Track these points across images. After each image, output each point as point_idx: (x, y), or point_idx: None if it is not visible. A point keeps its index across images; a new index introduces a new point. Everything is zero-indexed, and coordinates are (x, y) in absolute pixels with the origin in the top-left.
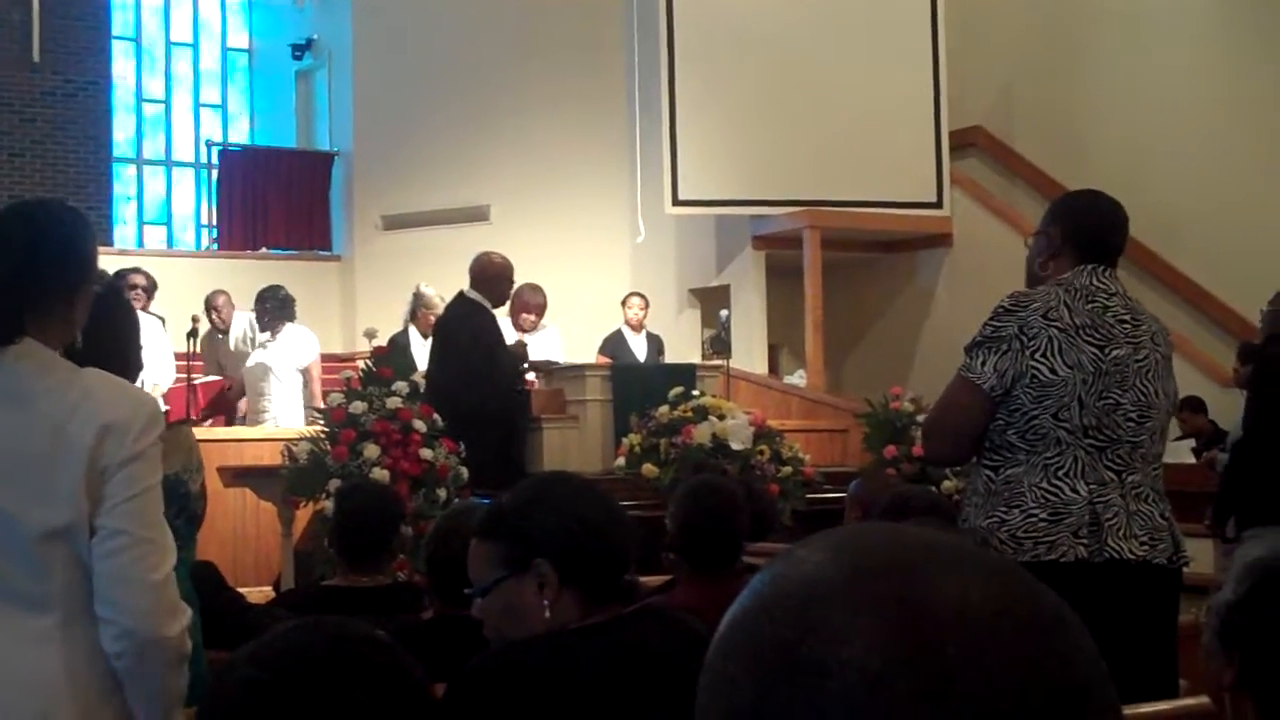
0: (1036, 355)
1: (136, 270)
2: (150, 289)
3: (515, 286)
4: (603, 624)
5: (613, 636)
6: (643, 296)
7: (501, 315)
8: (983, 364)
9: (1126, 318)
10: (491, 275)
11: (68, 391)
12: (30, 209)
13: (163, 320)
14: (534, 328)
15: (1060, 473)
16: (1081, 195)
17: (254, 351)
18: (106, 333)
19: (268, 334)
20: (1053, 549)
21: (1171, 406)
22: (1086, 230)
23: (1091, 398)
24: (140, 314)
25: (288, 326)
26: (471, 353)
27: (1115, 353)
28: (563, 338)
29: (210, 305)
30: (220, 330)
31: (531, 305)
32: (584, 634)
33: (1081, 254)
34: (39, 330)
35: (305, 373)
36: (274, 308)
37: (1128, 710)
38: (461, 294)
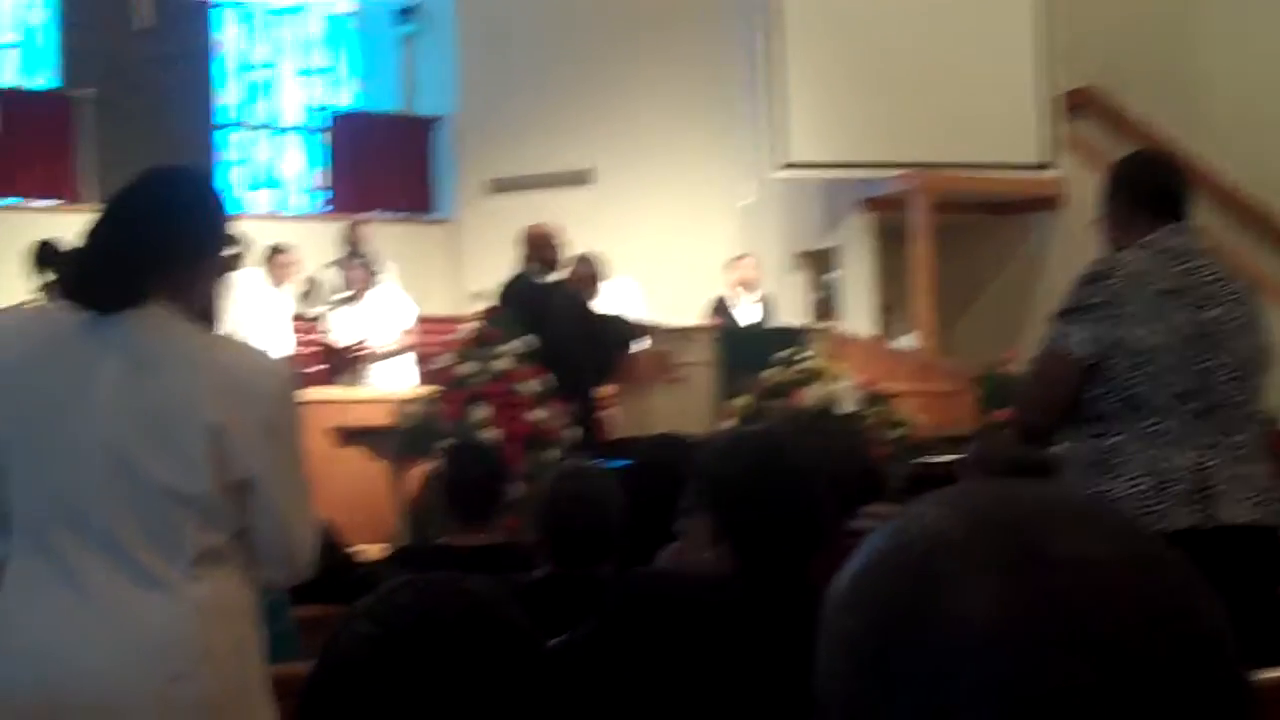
0: (1129, 322)
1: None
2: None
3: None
4: (734, 579)
5: (744, 592)
6: (754, 257)
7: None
8: (1073, 333)
9: (1218, 276)
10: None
11: (198, 360)
12: (164, 174)
13: None
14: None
15: (1162, 440)
16: (1138, 157)
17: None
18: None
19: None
20: (1161, 518)
21: (1269, 362)
22: (1154, 188)
23: (1188, 362)
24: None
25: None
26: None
27: (1209, 314)
28: (642, 288)
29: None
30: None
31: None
32: (729, 580)
33: (1154, 212)
34: (168, 295)
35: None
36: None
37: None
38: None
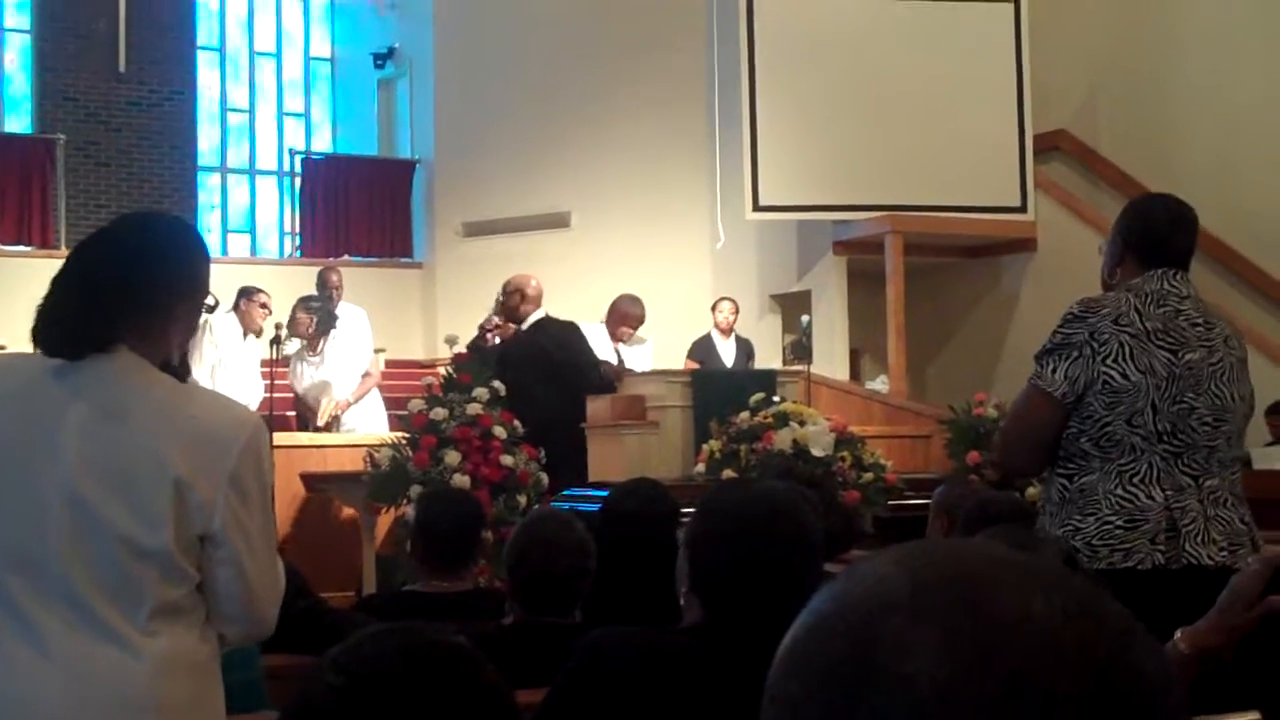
0: (1108, 361)
1: (261, 290)
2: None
3: (614, 299)
4: (696, 635)
5: (712, 643)
6: (732, 301)
7: (598, 327)
8: (1053, 371)
9: (1199, 321)
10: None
11: (167, 410)
12: (144, 220)
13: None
14: (629, 339)
15: (1135, 479)
16: (1143, 200)
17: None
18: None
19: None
20: (1129, 556)
21: (1248, 409)
22: (1145, 235)
23: (1165, 403)
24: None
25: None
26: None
27: (1189, 356)
28: (653, 350)
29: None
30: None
31: (631, 317)
32: (691, 633)
33: (1143, 258)
34: (139, 342)
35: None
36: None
37: None
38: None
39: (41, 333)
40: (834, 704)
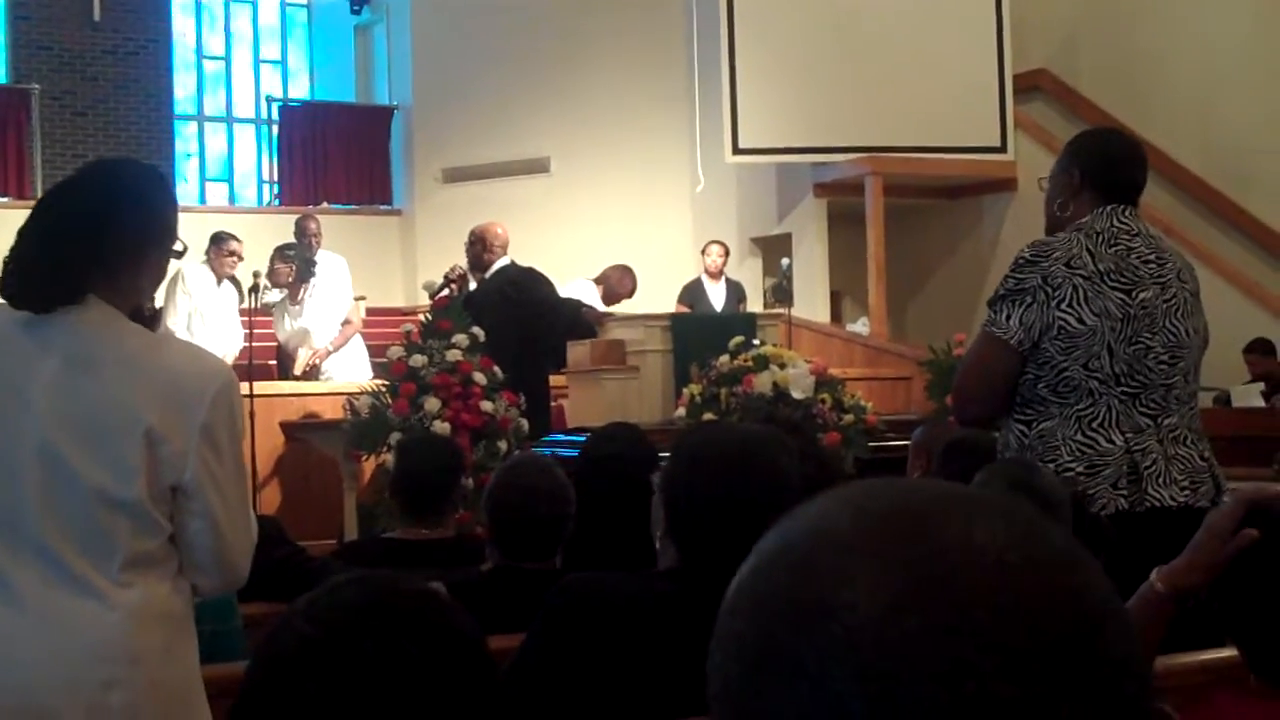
0: (1062, 305)
1: (233, 236)
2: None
3: (606, 269)
4: (678, 572)
5: (688, 587)
6: (722, 244)
7: (588, 284)
8: (1007, 318)
9: (1151, 258)
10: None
11: (138, 361)
12: (109, 166)
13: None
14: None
15: (1094, 424)
16: (1099, 133)
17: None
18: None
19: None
20: (1091, 502)
21: (1203, 342)
22: (1106, 168)
23: (1121, 344)
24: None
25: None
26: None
27: (1142, 295)
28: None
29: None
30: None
31: (624, 290)
32: (667, 577)
33: (1103, 193)
34: (109, 292)
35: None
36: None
37: (1181, 659)
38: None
39: (9, 285)
40: (775, 638)
